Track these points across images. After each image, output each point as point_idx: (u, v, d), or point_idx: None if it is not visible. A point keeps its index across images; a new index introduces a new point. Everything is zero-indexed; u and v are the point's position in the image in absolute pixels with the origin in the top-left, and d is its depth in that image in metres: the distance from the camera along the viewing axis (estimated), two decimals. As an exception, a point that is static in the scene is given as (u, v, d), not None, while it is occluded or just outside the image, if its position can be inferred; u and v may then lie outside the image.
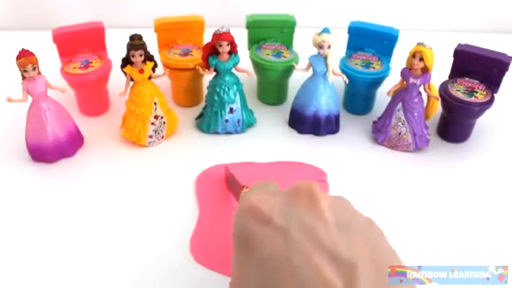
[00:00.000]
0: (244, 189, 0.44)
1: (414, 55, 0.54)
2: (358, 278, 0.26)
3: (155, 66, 0.57)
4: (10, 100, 0.52)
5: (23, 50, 0.51)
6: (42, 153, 0.55)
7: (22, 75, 0.52)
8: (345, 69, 0.62)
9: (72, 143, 0.57)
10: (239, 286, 0.31)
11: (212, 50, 0.57)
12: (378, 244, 0.31)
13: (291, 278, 0.27)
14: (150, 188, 0.53)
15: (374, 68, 0.62)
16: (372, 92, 0.64)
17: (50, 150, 0.55)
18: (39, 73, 0.52)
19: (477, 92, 0.58)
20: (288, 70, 0.63)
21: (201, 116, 0.62)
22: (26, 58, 0.50)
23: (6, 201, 0.51)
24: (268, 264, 0.29)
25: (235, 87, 0.59)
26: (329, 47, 0.56)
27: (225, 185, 0.53)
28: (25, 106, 0.54)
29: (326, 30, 0.56)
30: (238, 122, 0.60)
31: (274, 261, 0.28)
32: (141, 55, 0.54)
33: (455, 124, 0.60)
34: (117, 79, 0.60)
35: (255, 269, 0.29)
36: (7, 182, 0.53)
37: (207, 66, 0.58)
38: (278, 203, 0.32)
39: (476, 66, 0.58)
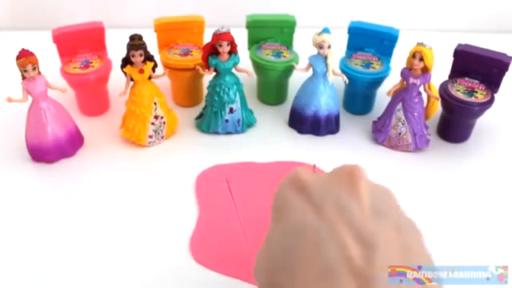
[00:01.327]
0: None
1: (413, 55, 0.54)
2: (375, 260, 0.27)
3: (155, 66, 0.57)
4: (10, 100, 0.52)
5: (23, 49, 0.51)
6: (42, 153, 0.55)
7: (22, 75, 0.52)
8: (345, 69, 0.62)
9: (72, 143, 0.57)
10: (264, 249, 0.31)
11: (212, 50, 0.57)
12: (413, 244, 0.31)
13: (314, 249, 0.27)
14: (150, 188, 0.53)
15: (373, 68, 0.62)
16: (372, 92, 0.64)
17: (50, 149, 0.55)
18: (39, 73, 0.52)
19: (477, 92, 0.58)
20: (288, 69, 0.63)
21: (201, 116, 0.62)
22: (25, 58, 0.50)
23: (5, 201, 0.51)
24: (295, 231, 0.29)
25: (235, 87, 0.59)
26: (329, 47, 0.56)
27: (227, 184, 0.53)
28: (25, 106, 0.54)
29: (325, 30, 0.56)
30: (238, 121, 0.60)
31: (302, 229, 0.29)
32: (141, 55, 0.54)
33: (455, 124, 0.60)
34: (117, 79, 0.60)
35: (282, 233, 0.30)
36: (7, 182, 0.53)
37: (207, 66, 0.58)
38: (319, 179, 0.32)
39: (476, 66, 0.58)
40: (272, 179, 0.53)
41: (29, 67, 0.51)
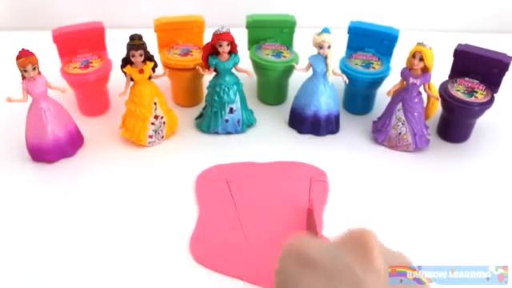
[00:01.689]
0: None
1: (413, 55, 0.54)
2: None
3: (155, 66, 0.57)
4: (9, 100, 0.52)
5: (23, 49, 0.51)
6: (42, 153, 0.55)
7: (22, 75, 0.52)
8: (345, 69, 0.61)
9: (72, 143, 0.57)
10: None
11: (212, 50, 0.57)
12: None
13: None
14: (150, 188, 0.53)
15: (373, 68, 0.62)
16: (372, 92, 0.64)
17: (50, 149, 0.55)
18: (39, 73, 0.52)
19: (477, 92, 0.58)
20: (288, 69, 0.63)
21: (201, 116, 0.62)
22: (25, 58, 0.50)
23: (5, 201, 0.51)
24: None
25: (235, 87, 0.58)
26: (329, 47, 0.56)
27: (227, 184, 0.53)
28: (25, 106, 0.54)
29: (326, 30, 0.56)
30: (238, 122, 0.60)
31: None
32: (141, 55, 0.54)
33: (455, 124, 0.60)
34: (117, 79, 0.60)
35: None
36: (7, 182, 0.53)
37: (207, 66, 0.58)
38: (327, 250, 0.30)
39: (476, 65, 0.58)
40: (272, 179, 0.54)
41: (29, 67, 0.51)
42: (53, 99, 0.55)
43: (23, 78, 0.52)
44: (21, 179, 0.54)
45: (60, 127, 0.55)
